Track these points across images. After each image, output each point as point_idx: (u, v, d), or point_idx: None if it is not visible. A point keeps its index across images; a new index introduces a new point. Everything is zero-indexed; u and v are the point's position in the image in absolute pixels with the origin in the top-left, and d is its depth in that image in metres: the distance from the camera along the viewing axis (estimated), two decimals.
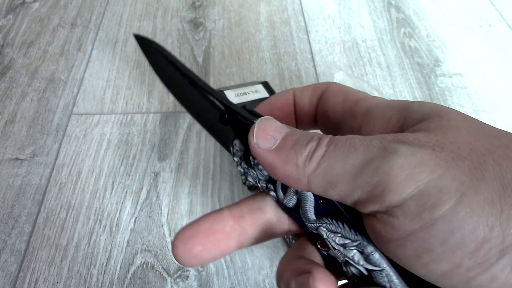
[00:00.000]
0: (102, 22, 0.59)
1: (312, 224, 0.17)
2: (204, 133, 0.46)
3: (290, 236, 0.35)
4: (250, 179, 0.19)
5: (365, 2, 0.65)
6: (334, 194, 0.16)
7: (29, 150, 0.43)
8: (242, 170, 0.20)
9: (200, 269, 0.35)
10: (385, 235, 0.15)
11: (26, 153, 0.43)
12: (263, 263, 0.36)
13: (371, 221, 0.15)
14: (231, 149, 0.20)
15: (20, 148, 0.43)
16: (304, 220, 0.18)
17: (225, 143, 0.21)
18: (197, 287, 0.34)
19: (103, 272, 0.35)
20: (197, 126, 0.46)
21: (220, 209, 0.19)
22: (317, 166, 0.15)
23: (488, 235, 0.13)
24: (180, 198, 0.40)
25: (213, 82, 0.51)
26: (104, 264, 0.35)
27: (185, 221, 0.38)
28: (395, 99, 0.20)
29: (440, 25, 0.61)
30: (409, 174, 0.14)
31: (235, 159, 0.20)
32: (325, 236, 0.17)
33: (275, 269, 0.36)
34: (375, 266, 0.16)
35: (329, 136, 0.16)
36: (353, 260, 0.16)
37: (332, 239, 0.17)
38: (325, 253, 0.18)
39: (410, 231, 0.14)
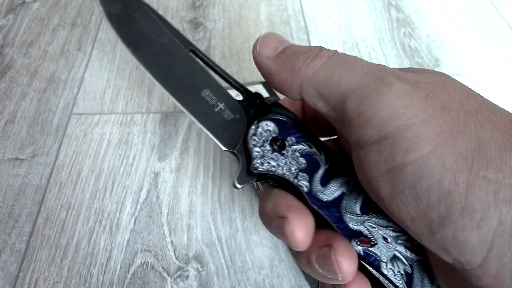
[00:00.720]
0: (102, 22, 0.59)
1: (358, 217, 0.18)
2: (204, 133, 0.46)
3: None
4: (272, 162, 0.19)
5: (365, 2, 0.65)
6: (322, 107, 0.16)
7: (29, 150, 0.43)
8: (260, 152, 0.19)
9: (200, 269, 0.35)
10: (364, 172, 0.15)
11: (26, 153, 0.43)
12: (263, 263, 0.36)
13: (355, 157, 0.15)
14: (254, 129, 0.19)
15: (20, 148, 0.43)
16: (346, 213, 0.18)
17: (212, 123, 0.20)
18: (197, 287, 0.34)
19: (103, 272, 0.35)
20: (197, 126, 0.46)
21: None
22: (313, 75, 0.15)
23: (452, 189, 0.13)
24: (180, 198, 0.40)
25: None
26: (104, 264, 0.35)
27: (185, 221, 0.38)
28: None
29: (440, 25, 0.61)
30: (394, 112, 0.14)
31: (255, 139, 0.19)
32: (375, 229, 0.17)
33: (275, 269, 0.36)
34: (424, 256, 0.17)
35: (334, 50, 0.16)
36: (403, 253, 0.17)
37: (385, 233, 0.17)
38: (361, 252, 0.18)
39: (384, 170, 0.14)
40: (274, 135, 0.19)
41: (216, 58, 0.54)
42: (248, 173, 0.19)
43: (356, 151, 0.15)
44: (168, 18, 0.60)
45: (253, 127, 0.19)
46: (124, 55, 0.54)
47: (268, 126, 0.19)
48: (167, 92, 0.20)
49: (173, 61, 0.20)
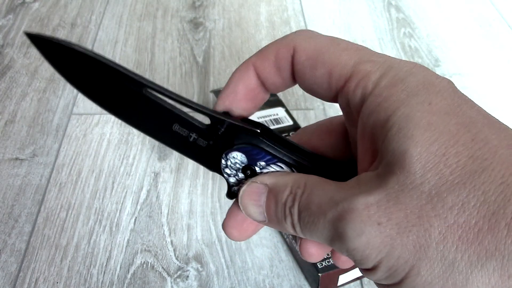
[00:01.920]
0: (102, 22, 0.59)
1: None
2: None
3: (290, 236, 0.35)
4: None
5: (365, 2, 0.65)
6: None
7: (29, 150, 0.43)
8: (235, 181, 0.20)
9: (200, 269, 0.35)
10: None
11: (26, 153, 0.43)
12: (263, 263, 0.36)
13: None
14: (224, 162, 0.20)
15: (20, 148, 0.43)
16: None
17: (192, 152, 0.20)
18: (197, 287, 0.34)
19: (103, 272, 0.35)
20: None
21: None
22: (303, 232, 0.17)
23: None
24: (180, 198, 0.40)
25: (213, 82, 0.51)
26: (104, 264, 0.36)
27: (185, 221, 0.38)
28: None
29: (440, 25, 0.61)
30: (363, 255, 0.14)
31: (228, 172, 0.20)
32: None
33: (275, 269, 0.36)
34: None
35: (296, 206, 0.17)
36: None
37: None
38: None
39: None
40: (243, 165, 0.20)
41: (216, 58, 0.54)
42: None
43: None
44: (168, 18, 0.60)
45: (223, 161, 0.20)
46: (124, 55, 0.54)
47: (235, 158, 0.20)
48: (150, 137, 0.21)
49: (136, 109, 0.21)
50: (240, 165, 0.20)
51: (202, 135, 0.20)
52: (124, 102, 0.20)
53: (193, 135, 0.20)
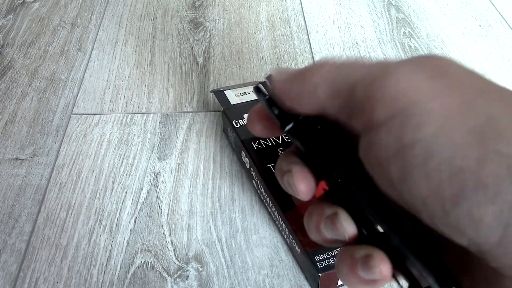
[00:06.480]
0: (102, 22, 0.59)
1: None
2: (204, 133, 0.46)
3: (290, 236, 0.35)
4: None
5: (365, 2, 0.65)
6: (334, 105, 0.16)
7: (29, 150, 0.43)
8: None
9: (200, 269, 0.35)
10: (374, 156, 0.15)
11: (26, 153, 0.43)
12: (263, 263, 0.36)
13: (363, 146, 0.16)
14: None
15: (20, 148, 0.43)
16: None
17: None
18: (197, 287, 0.34)
19: (103, 272, 0.35)
20: (197, 126, 0.46)
21: None
22: (325, 73, 0.16)
23: (464, 165, 0.12)
24: (180, 198, 0.40)
25: (213, 82, 0.51)
26: (104, 264, 0.36)
27: (185, 221, 0.38)
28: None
29: (440, 25, 0.61)
30: (401, 90, 0.14)
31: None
32: None
33: (275, 269, 0.36)
34: None
35: (336, 59, 0.17)
36: None
37: None
38: None
39: (394, 150, 0.14)
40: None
41: (216, 58, 0.54)
42: None
43: (364, 139, 0.15)
44: (168, 18, 0.60)
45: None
46: (124, 55, 0.54)
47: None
48: None
49: None
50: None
51: None
52: None
53: None
